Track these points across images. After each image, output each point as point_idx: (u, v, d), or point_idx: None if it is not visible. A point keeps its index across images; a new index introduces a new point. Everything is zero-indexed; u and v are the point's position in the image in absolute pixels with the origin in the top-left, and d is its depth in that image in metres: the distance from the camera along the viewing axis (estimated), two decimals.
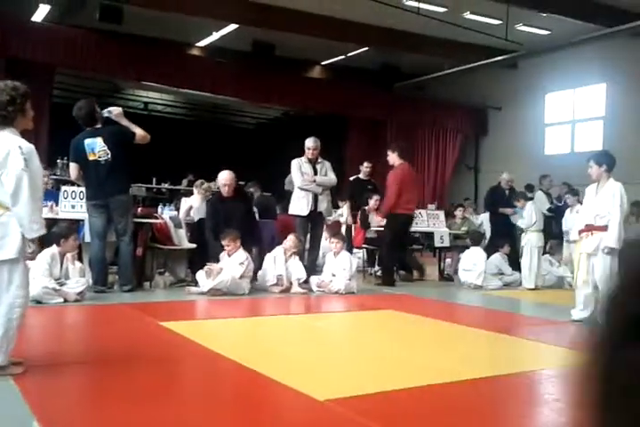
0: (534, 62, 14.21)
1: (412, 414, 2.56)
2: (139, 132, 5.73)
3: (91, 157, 5.68)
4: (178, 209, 7.81)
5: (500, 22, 11.73)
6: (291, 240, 6.31)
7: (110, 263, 6.33)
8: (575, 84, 14.23)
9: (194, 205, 7.47)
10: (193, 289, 5.96)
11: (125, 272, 5.88)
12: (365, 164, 8.46)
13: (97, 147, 5.67)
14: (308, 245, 7.24)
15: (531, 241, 7.44)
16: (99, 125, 5.77)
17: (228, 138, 17.81)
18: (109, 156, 5.67)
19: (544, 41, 12.86)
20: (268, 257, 6.36)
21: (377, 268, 8.96)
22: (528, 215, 7.52)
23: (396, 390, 2.83)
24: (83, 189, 6.12)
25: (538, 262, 7.44)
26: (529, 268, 7.39)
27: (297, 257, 6.48)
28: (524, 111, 15.29)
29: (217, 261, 6.06)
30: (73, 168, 5.86)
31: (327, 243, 7.30)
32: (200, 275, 5.97)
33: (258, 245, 6.64)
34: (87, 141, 5.69)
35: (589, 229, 4.89)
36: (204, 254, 6.40)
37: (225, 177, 6.66)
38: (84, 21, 11.59)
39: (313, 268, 7.10)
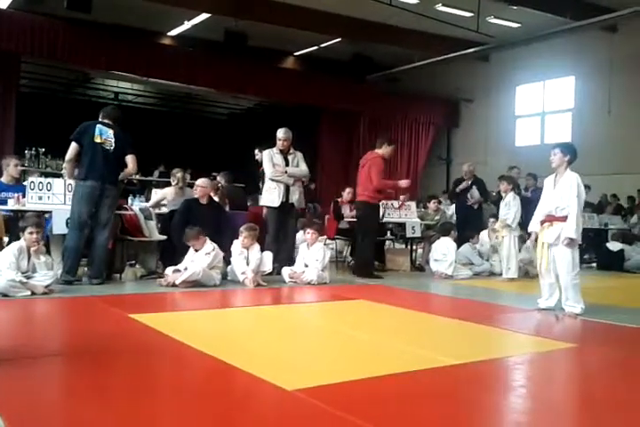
0: (505, 55, 14.37)
1: (381, 403, 2.58)
2: (132, 167, 5.99)
3: (96, 140, 5.79)
4: (149, 200, 7.74)
5: (472, 15, 11.82)
6: (244, 236, 6.24)
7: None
8: (545, 76, 14.43)
9: (168, 197, 7.40)
10: (164, 281, 5.92)
11: (98, 265, 5.81)
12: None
13: (105, 134, 5.84)
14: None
15: (509, 232, 7.48)
16: (112, 124, 5.96)
17: (200, 128, 17.68)
18: (112, 148, 5.84)
19: (515, 34, 13.01)
20: (234, 254, 6.30)
21: (350, 258, 9.02)
22: (514, 208, 7.46)
23: (365, 379, 2.86)
24: (50, 180, 6.04)
25: (516, 253, 7.52)
26: (507, 258, 7.46)
27: (258, 247, 6.35)
28: (495, 103, 15.46)
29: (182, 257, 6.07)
30: (73, 148, 5.83)
31: (300, 234, 7.32)
32: (169, 271, 5.94)
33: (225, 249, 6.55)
34: (100, 126, 5.86)
35: (550, 219, 4.98)
36: (174, 247, 6.36)
37: (204, 180, 6.85)
38: (51, 9, 11.38)
39: (285, 259, 7.10)
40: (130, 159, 5.96)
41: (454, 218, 9.63)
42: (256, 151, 8.19)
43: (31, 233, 5.07)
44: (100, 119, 5.97)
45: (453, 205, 10.49)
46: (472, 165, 9.15)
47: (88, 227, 5.75)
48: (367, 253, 7.45)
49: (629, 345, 4.11)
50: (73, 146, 5.82)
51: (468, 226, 8.46)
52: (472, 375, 3.11)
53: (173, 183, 7.56)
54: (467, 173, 9.02)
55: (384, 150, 7.37)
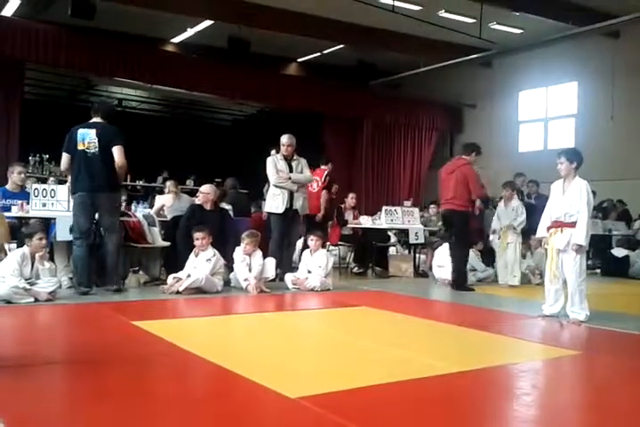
0: (508, 61, 14.38)
1: (385, 410, 2.57)
2: (118, 159, 5.62)
3: (79, 147, 5.63)
4: (152, 206, 7.79)
5: (474, 21, 11.84)
6: (246, 243, 6.22)
7: None
8: (548, 82, 14.43)
9: (166, 203, 7.47)
10: (167, 289, 5.91)
11: (110, 272, 5.70)
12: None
13: (87, 137, 5.64)
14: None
15: (515, 238, 7.47)
16: (99, 120, 5.74)
17: (204, 135, 17.69)
18: (97, 149, 5.61)
19: (517, 40, 13.02)
20: (237, 261, 6.29)
21: (353, 264, 9.02)
22: (524, 215, 7.47)
23: (369, 387, 2.85)
24: (54, 186, 6.06)
25: (520, 259, 7.51)
26: (512, 264, 7.43)
27: (260, 254, 6.34)
28: (498, 109, 15.45)
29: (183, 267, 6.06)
30: (65, 158, 5.74)
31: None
32: (170, 279, 5.94)
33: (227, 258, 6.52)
34: (80, 131, 5.67)
35: (559, 225, 4.97)
36: (177, 253, 6.37)
37: (206, 187, 6.84)
38: (55, 17, 11.43)
39: (288, 265, 7.10)
40: (116, 151, 5.60)
41: None
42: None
43: (40, 239, 5.12)
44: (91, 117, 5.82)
45: None
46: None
47: (90, 236, 5.67)
48: (464, 266, 7.12)
49: (634, 352, 4.09)
50: (64, 156, 5.74)
51: (473, 232, 8.41)
52: (476, 383, 3.09)
53: (166, 191, 7.77)
54: None
55: (473, 158, 7.19)
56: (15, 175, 6.55)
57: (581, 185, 4.93)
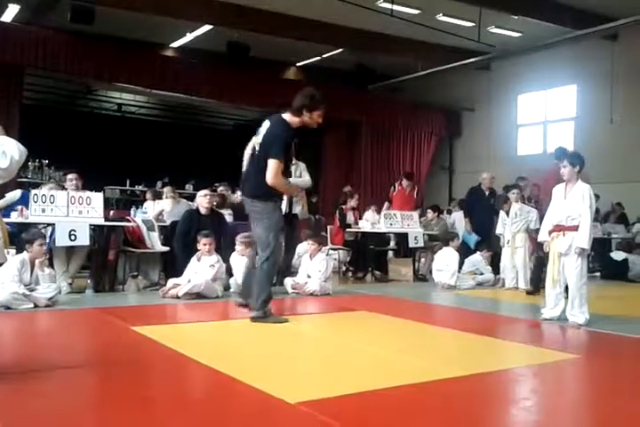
0: (506, 64, 14.40)
1: (384, 415, 2.57)
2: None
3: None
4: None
5: (473, 24, 11.85)
6: (238, 244, 6.24)
7: (83, 267, 6.31)
8: (546, 85, 14.44)
9: (165, 208, 7.48)
10: (166, 294, 5.91)
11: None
12: None
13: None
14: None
15: (524, 242, 7.47)
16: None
17: (204, 139, 17.69)
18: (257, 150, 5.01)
19: (516, 43, 13.03)
20: (238, 265, 6.29)
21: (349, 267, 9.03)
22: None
23: (369, 391, 2.84)
24: (53, 192, 6.05)
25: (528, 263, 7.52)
26: (523, 268, 7.43)
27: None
28: (496, 112, 15.46)
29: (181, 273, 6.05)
30: None
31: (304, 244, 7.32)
32: (170, 284, 5.94)
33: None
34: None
35: (560, 229, 4.98)
36: (174, 258, 6.38)
37: (203, 192, 6.82)
38: (54, 22, 11.44)
39: (288, 269, 7.10)
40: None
41: (455, 226, 9.66)
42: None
43: (41, 245, 5.15)
44: None
45: (453, 214, 10.51)
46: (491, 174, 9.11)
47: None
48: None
49: (633, 356, 4.09)
50: None
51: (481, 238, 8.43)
52: (476, 387, 3.09)
53: (164, 197, 7.83)
54: (487, 180, 8.90)
55: None
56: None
57: (584, 189, 4.94)
